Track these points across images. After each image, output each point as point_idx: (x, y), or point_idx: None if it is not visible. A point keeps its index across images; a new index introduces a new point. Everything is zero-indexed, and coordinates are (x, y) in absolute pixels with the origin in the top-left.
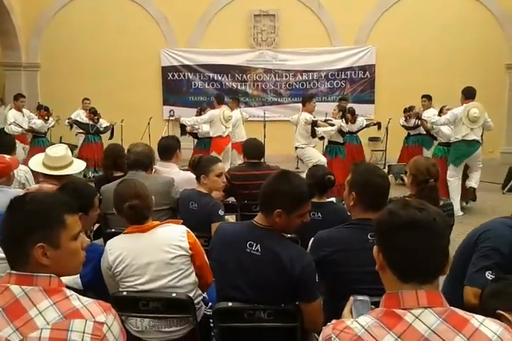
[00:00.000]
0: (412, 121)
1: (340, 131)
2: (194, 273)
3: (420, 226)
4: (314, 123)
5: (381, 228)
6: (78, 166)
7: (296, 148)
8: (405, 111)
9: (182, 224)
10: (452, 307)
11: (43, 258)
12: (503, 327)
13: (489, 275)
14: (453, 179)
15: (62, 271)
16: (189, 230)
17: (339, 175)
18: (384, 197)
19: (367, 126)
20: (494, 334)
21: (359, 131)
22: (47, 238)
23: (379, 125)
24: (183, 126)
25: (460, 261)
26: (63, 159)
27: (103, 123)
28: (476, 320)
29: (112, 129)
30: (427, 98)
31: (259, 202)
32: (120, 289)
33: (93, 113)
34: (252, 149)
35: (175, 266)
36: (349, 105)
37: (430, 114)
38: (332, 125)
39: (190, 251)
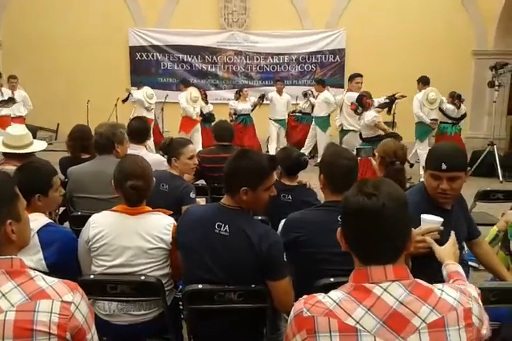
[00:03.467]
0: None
1: None
2: (168, 267)
3: (367, 213)
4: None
5: (341, 213)
6: (39, 145)
7: (347, 131)
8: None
9: (149, 205)
10: (416, 279)
11: (13, 234)
12: (459, 291)
13: None
14: (423, 152)
15: (22, 244)
16: (175, 223)
17: None
18: (350, 179)
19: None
20: (454, 300)
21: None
22: (12, 213)
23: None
24: None
25: None
26: (24, 138)
27: None
28: (438, 289)
29: None
30: (280, 82)
31: (224, 183)
32: (93, 267)
33: None
34: (222, 132)
35: (151, 257)
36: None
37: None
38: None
39: (170, 246)
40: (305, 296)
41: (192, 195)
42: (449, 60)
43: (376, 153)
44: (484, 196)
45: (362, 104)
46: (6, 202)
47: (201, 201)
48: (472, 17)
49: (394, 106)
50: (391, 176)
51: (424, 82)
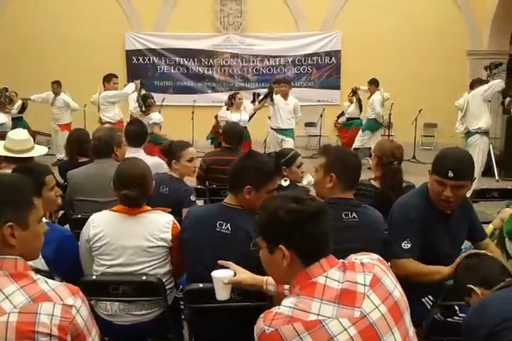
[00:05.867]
0: None
1: None
2: (169, 264)
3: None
4: None
5: (286, 226)
6: (40, 150)
7: (474, 132)
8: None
9: (151, 205)
10: (341, 260)
11: (11, 238)
12: (360, 254)
13: (405, 245)
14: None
15: (25, 254)
16: (175, 221)
17: None
18: (359, 174)
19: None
20: (367, 258)
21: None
22: (16, 217)
23: None
24: None
25: None
26: (26, 142)
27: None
28: (355, 258)
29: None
30: (286, 83)
31: (228, 181)
32: (94, 266)
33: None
34: (233, 135)
35: (152, 255)
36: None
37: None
38: None
39: (170, 243)
40: (262, 314)
41: (192, 197)
42: (444, 60)
43: (372, 153)
44: (480, 195)
45: None
46: (11, 205)
47: (199, 203)
48: (466, 17)
49: (391, 107)
50: (390, 176)
51: (376, 84)
